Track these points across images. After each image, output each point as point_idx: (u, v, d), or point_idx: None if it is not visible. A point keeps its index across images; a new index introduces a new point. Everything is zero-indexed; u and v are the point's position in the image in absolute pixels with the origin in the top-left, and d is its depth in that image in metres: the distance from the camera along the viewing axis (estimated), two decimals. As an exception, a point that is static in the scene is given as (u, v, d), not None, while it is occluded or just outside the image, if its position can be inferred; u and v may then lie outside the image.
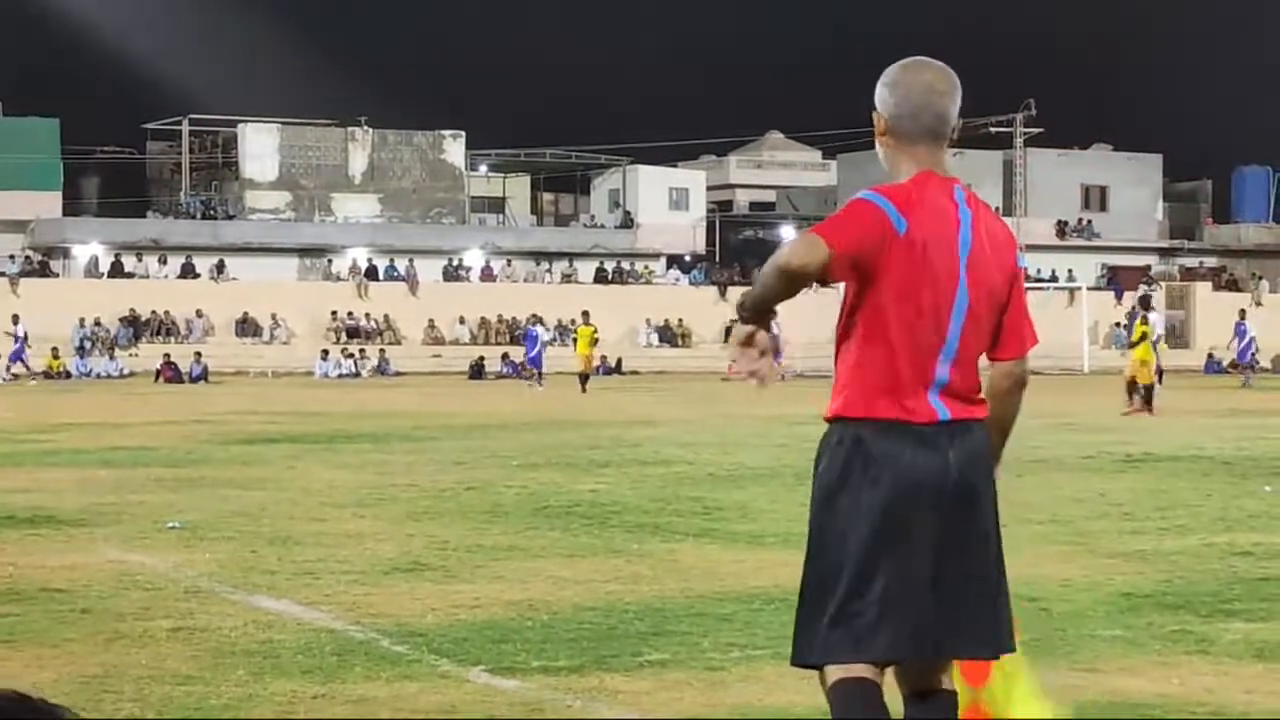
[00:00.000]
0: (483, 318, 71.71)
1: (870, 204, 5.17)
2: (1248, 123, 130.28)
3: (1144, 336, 33.66)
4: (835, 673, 5.18)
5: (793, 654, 5.34)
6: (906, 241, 5.12)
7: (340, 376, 61.38)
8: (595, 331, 47.73)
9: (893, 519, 5.12)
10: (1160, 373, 41.55)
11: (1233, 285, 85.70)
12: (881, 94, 5.39)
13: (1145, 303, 36.54)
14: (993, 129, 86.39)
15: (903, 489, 5.12)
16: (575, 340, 48.06)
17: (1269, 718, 7.34)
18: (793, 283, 5.17)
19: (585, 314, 47.89)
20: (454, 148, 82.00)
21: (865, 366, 5.21)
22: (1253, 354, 54.43)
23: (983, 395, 5.36)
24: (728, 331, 64.33)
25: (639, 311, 72.23)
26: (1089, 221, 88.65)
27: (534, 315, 54.21)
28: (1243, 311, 55.64)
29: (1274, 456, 21.61)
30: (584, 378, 45.84)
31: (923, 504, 5.13)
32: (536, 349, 49.98)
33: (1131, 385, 33.32)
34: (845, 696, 5.16)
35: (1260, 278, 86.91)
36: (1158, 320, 36.98)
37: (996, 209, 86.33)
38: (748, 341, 5.33)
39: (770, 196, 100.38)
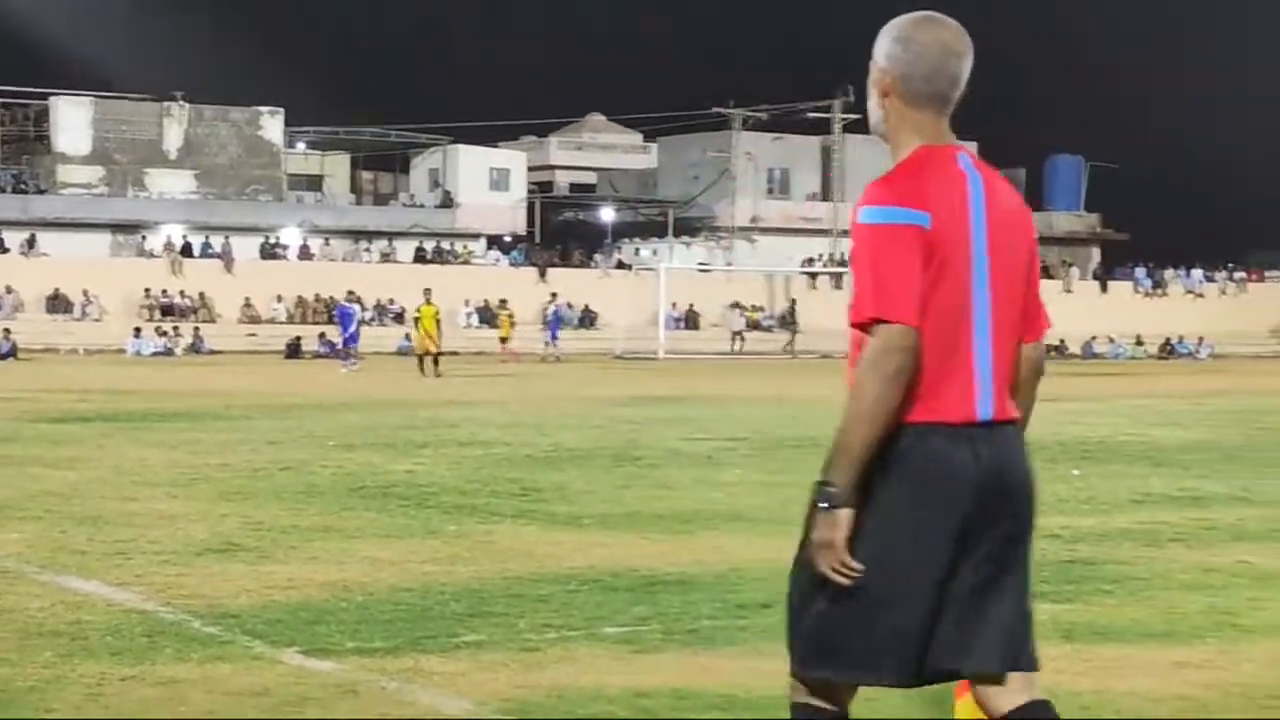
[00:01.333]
0: (300, 297, 71.14)
1: (899, 229, 4.51)
2: (1061, 113, 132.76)
3: None
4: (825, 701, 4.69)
5: (798, 662, 4.66)
6: (934, 233, 4.53)
7: (154, 355, 60.68)
8: (438, 312, 47.08)
9: (930, 523, 4.55)
10: None
11: (1044, 272, 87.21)
12: (890, 49, 4.72)
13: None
14: (811, 115, 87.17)
15: (942, 490, 4.55)
16: (417, 320, 47.19)
17: (1077, 697, 7.47)
18: (904, 387, 4.50)
19: (428, 292, 47.04)
20: (272, 124, 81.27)
21: None
22: None
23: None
24: (554, 315, 64.32)
25: (458, 292, 71.93)
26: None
27: (350, 293, 53.70)
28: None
29: (1081, 441, 22.03)
30: (429, 358, 44.77)
31: (962, 506, 4.55)
32: (353, 328, 49.53)
33: None
34: None
35: (1071, 265, 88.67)
36: None
37: (814, 195, 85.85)
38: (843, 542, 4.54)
39: (591, 178, 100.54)
